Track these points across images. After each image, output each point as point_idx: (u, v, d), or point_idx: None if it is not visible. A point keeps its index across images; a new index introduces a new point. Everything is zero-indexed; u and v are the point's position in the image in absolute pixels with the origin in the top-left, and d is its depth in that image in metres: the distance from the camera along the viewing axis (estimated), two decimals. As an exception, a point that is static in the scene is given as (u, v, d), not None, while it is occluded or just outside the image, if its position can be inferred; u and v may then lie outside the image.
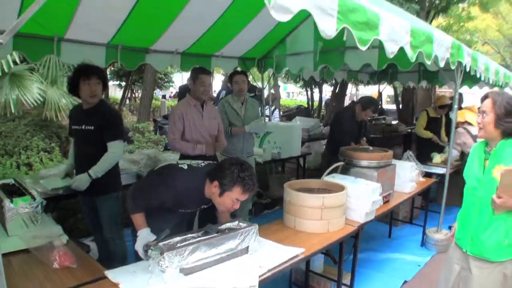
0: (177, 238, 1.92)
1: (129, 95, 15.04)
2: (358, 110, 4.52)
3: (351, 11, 2.00)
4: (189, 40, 4.36)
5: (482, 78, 4.26)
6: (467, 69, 3.75)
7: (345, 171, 3.22)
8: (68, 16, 3.19)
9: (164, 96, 20.60)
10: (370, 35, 2.19)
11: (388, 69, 7.13)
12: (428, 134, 5.69)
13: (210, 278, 1.82)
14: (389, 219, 4.51)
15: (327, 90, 16.65)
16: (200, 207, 2.32)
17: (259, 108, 6.55)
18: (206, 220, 2.33)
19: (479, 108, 2.19)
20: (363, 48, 2.15)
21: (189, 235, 1.97)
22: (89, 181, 2.80)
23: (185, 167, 2.21)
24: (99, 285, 1.82)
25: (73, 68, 3.27)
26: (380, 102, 12.37)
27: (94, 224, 3.14)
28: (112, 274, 1.88)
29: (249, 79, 4.62)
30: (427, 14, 9.19)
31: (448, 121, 4.74)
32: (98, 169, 2.79)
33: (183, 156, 3.48)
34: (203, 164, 2.27)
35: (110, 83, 14.84)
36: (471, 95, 7.92)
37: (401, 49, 2.52)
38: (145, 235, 2.03)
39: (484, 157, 2.18)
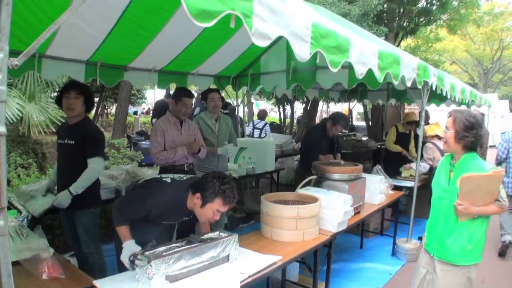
0: (162, 248, 2.03)
1: (101, 111, 14.86)
2: (329, 126, 4.78)
3: (323, 36, 2.21)
4: (166, 58, 4.47)
5: (449, 96, 4.59)
6: (433, 88, 4.04)
7: (318, 184, 3.40)
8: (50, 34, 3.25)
9: (135, 113, 20.44)
10: (341, 58, 2.40)
11: (358, 88, 7.45)
12: (397, 148, 5.99)
13: (194, 285, 1.92)
14: (361, 231, 4.71)
15: (299, 107, 17.05)
16: (181, 219, 2.42)
17: (233, 125, 6.73)
18: (185, 232, 2.43)
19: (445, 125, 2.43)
20: (334, 70, 2.36)
21: (173, 244, 2.07)
22: (70, 198, 2.85)
23: (169, 180, 2.33)
24: (88, 294, 1.88)
25: (51, 84, 3.32)
26: (350, 119, 12.81)
27: (73, 239, 3.15)
28: (101, 283, 1.95)
29: (222, 96, 4.78)
30: (395, 35, 9.69)
31: (417, 136, 5.04)
32: (78, 185, 2.85)
33: (162, 170, 3.58)
34: (185, 178, 2.40)
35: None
36: (439, 112, 8.35)
37: (370, 70, 2.76)
38: (130, 246, 2.13)
39: (449, 169, 2.41)
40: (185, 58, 4.49)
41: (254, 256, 2.33)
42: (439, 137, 5.86)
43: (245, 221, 5.61)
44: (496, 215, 2.52)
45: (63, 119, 4.35)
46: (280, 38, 1.89)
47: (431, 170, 5.41)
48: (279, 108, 14.98)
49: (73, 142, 2.94)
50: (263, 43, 1.77)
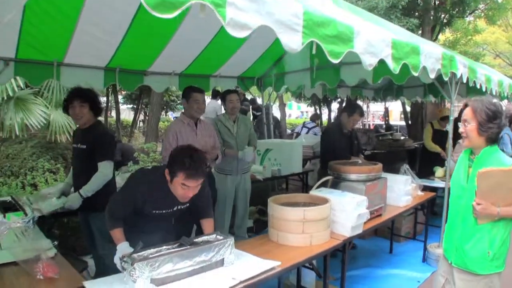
0: (152, 250, 1.97)
1: (142, 118, 15.35)
2: (345, 119, 4.27)
3: (319, 25, 2.05)
4: (185, 61, 4.48)
5: (484, 89, 4.22)
6: (464, 80, 3.73)
7: (334, 185, 3.21)
8: (65, 41, 3.35)
9: (177, 118, 20.99)
10: (343, 48, 2.23)
11: (392, 84, 7.13)
12: (436, 148, 5.63)
13: (181, 289, 1.85)
14: (390, 235, 4.43)
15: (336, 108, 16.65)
16: (174, 208, 2.32)
17: (266, 126, 6.63)
18: (186, 232, 2.38)
19: (461, 118, 2.17)
20: (335, 61, 2.20)
21: (164, 246, 2.01)
22: (81, 200, 2.89)
23: (149, 167, 2.33)
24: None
25: None
26: (387, 118, 12.29)
27: (89, 241, 3.21)
28: (90, 285, 1.94)
29: (255, 97, 4.67)
30: (432, 29, 9.18)
31: (455, 134, 4.67)
32: (88, 188, 2.89)
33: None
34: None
35: (124, 106, 15.23)
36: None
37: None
38: (123, 248, 2.11)
39: (468, 165, 2.16)
40: (203, 60, 4.48)
41: (252, 261, 2.21)
42: None
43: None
44: None
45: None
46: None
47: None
48: (315, 109, 14.71)
49: (85, 146, 2.99)
50: (241, 34, 1.67)
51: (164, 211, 2.29)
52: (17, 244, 2.33)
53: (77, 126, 3.20)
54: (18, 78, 4.34)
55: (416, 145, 7.79)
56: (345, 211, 2.74)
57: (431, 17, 8.61)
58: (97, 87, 3.97)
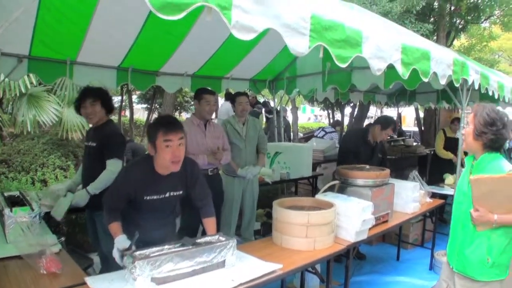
0: (154, 248, 1.99)
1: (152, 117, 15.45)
2: (378, 131, 4.13)
3: (326, 29, 2.05)
4: (197, 62, 4.50)
5: (496, 97, 4.16)
6: (476, 87, 3.67)
7: (341, 190, 3.19)
8: (78, 40, 3.39)
9: (188, 118, 21.11)
10: (351, 53, 2.22)
11: (406, 90, 7.05)
12: (448, 155, 5.55)
13: (181, 289, 1.85)
14: (398, 241, 4.38)
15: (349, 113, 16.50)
16: (165, 194, 2.31)
17: (277, 129, 6.62)
18: (190, 233, 2.38)
19: None
20: (343, 65, 2.19)
21: (166, 246, 2.02)
22: (88, 197, 2.93)
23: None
24: (77, 290, 1.90)
25: None
26: (399, 124, 12.15)
27: (94, 238, 3.24)
28: (91, 281, 1.95)
29: (267, 100, 4.66)
30: (447, 35, 9.06)
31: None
32: (95, 186, 2.92)
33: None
34: None
35: (138, 106, 15.37)
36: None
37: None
38: (121, 241, 2.12)
39: (469, 170, 2.15)
40: (216, 62, 4.49)
41: (254, 263, 2.21)
42: None
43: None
44: None
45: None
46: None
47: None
48: (328, 113, 14.61)
49: (95, 144, 3.03)
50: (247, 37, 1.68)
51: (155, 197, 2.28)
52: (23, 238, 2.37)
53: (90, 125, 3.24)
54: (31, 75, 4.45)
55: (427, 152, 7.70)
56: (350, 216, 2.72)
57: (446, 23, 8.50)
58: (109, 86, 4.01)
